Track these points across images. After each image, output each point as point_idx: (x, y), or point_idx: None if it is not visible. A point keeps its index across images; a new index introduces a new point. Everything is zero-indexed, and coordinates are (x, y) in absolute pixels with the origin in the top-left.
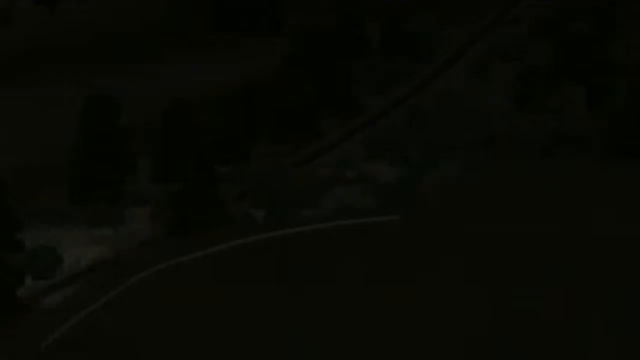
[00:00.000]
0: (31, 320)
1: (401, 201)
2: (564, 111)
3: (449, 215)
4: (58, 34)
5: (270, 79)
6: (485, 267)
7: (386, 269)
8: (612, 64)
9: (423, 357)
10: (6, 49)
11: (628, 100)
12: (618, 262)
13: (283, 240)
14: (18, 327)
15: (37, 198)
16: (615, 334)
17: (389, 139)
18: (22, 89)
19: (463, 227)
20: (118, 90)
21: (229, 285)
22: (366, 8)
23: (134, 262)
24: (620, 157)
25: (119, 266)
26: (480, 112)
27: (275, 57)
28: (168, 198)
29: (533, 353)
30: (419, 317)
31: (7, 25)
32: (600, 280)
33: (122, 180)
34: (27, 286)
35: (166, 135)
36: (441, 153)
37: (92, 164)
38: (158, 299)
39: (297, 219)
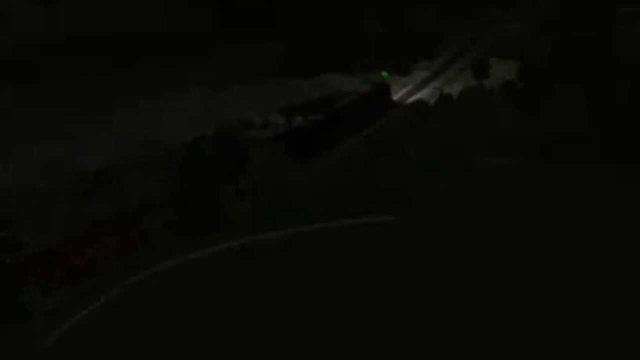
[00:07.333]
0: (31, 320)
1: (401, 201)
2: (564, 111)
3: (449, 216)
4: (58, 34)
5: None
6: (485, 267)
7: (386, 268)
8: (612, 64)
9: (423, 356)
10: (6, 49)
11: (628, 100)
12: (618, 262)
13: (283, 240)
14: (18, 327)
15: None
16: (616, 333)
17: (389, 139)
18: (22, 89)
19: (463, 227)
20: (118, 90)
21: (229, 285)
22: (365, 7)
23: (134, 262)
24: (620, 157)
25: (119, 266)
26: (480, 112)
27: (275, 57)
28: (168, 198)
29: (533, 353)
30: (418, 317)
31: (7, 25)
32: (600, 280)
33: None
34: (27, 286)
35: None
36: (441, 153)
37: None
38: (158, 299)
39: (297, 218)
